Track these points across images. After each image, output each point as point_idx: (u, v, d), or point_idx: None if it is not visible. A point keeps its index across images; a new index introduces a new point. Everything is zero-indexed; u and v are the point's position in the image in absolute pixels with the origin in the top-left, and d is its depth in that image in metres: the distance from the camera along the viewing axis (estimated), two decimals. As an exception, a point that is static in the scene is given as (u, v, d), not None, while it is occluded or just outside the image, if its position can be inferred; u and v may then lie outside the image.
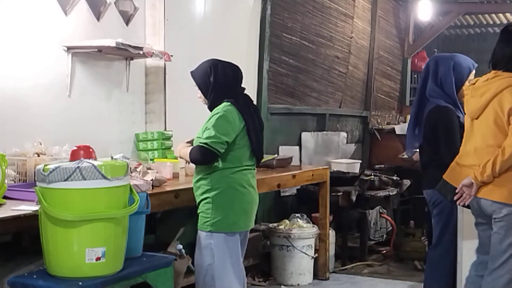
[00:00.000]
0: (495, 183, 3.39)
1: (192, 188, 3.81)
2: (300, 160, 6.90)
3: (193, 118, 5.20)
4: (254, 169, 3.88)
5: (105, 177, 2.78)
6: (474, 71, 4.19)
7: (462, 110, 4.12)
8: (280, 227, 5.46)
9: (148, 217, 3.40)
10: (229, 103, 3.68)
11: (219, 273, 3.67)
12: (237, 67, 3.88)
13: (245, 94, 3.86)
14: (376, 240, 6.61)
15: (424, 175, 4.24)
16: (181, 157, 3.91)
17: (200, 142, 3.60)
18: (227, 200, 3.66)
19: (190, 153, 3.68)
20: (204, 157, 3.61)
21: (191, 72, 3.87)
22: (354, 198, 6.01)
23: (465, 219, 3.87)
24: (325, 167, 5.71)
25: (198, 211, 3.74)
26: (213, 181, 3.67)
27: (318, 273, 5.55)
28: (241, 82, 3.87)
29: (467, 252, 3.89)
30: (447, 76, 4.10)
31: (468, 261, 3.85)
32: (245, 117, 3.69)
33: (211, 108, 3.77)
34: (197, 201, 3.76)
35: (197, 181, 3.75)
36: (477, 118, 3.54)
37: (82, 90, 4.24)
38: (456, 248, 4.01)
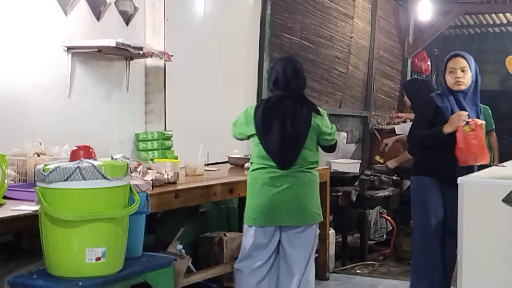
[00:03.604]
0: None
1: (191, 188, 3.80)
2: (300, 160, 6.88)
3: (193, 118, 5.21)
4: None
5: (105, 177, 2.78)
6: (455, 58, 4.10)
7: (455, 97, 4.08)
8: (280, 227, 5.44)
9: (148, 217, 3.39)
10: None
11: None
12: (289, 78, 4.03)
13: None
14: (376, 240, 6.61)
15: None
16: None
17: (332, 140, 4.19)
18: None
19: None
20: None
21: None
22: (354, 198, 6.01)
23: (465, 219, 3.86)
24: (325, 167, 5.70)
25: (311, 208, 4.11)
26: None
27: (318, 273, 5.54)
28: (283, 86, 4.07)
29: (467, 252, 3.87)
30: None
31: (468, 261, 3.84)
32: None
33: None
34: (306, 194, 4.11)
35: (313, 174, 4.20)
36: None
37: (82, 90, 4.23)
38: (433, 241, 4.12)
